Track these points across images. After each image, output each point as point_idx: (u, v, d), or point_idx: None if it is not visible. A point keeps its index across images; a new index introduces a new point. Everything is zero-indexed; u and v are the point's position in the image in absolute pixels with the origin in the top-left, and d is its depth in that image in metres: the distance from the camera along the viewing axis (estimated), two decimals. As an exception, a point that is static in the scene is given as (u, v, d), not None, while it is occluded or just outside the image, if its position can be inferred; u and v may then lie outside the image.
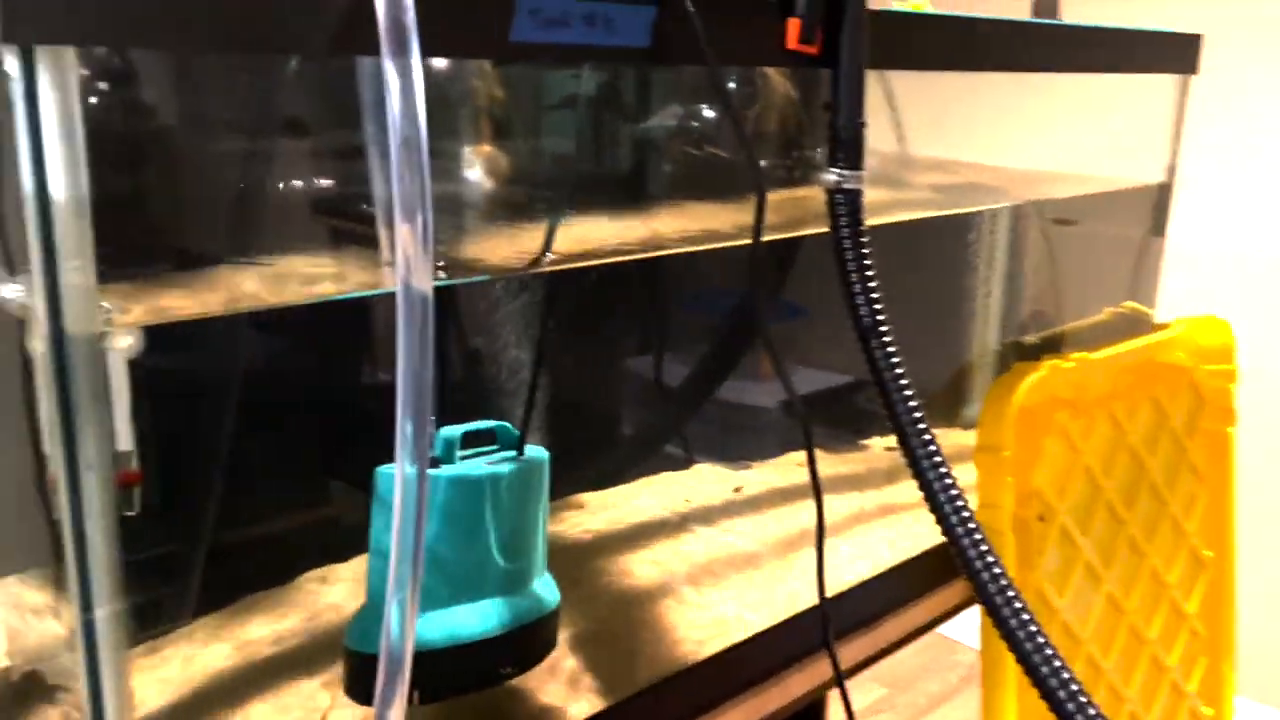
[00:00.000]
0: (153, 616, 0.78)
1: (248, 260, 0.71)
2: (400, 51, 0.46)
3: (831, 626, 0.80)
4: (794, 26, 0.70)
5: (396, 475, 0.47)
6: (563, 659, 0.78)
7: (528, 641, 0.68)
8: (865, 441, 1.20)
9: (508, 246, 0.88)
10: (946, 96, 1.24)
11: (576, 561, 0.89)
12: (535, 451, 0.71)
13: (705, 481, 1.04)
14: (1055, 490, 1.04)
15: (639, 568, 0.89)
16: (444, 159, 0.91)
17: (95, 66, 0.50)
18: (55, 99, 0.43)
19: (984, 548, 0.73)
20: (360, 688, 0.64)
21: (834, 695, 0.93)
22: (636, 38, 0.62)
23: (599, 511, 0.98)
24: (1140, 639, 1.19)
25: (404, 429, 0.46)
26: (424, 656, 0.62)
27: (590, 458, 1.02)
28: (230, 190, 0.68)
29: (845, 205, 0.74)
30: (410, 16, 0.47)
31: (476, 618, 0.65)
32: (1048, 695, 0.72)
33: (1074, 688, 0.71)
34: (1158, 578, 1.21)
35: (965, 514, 0.73)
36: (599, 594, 0.86)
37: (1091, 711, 0.70)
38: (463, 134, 0.89)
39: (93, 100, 0.46)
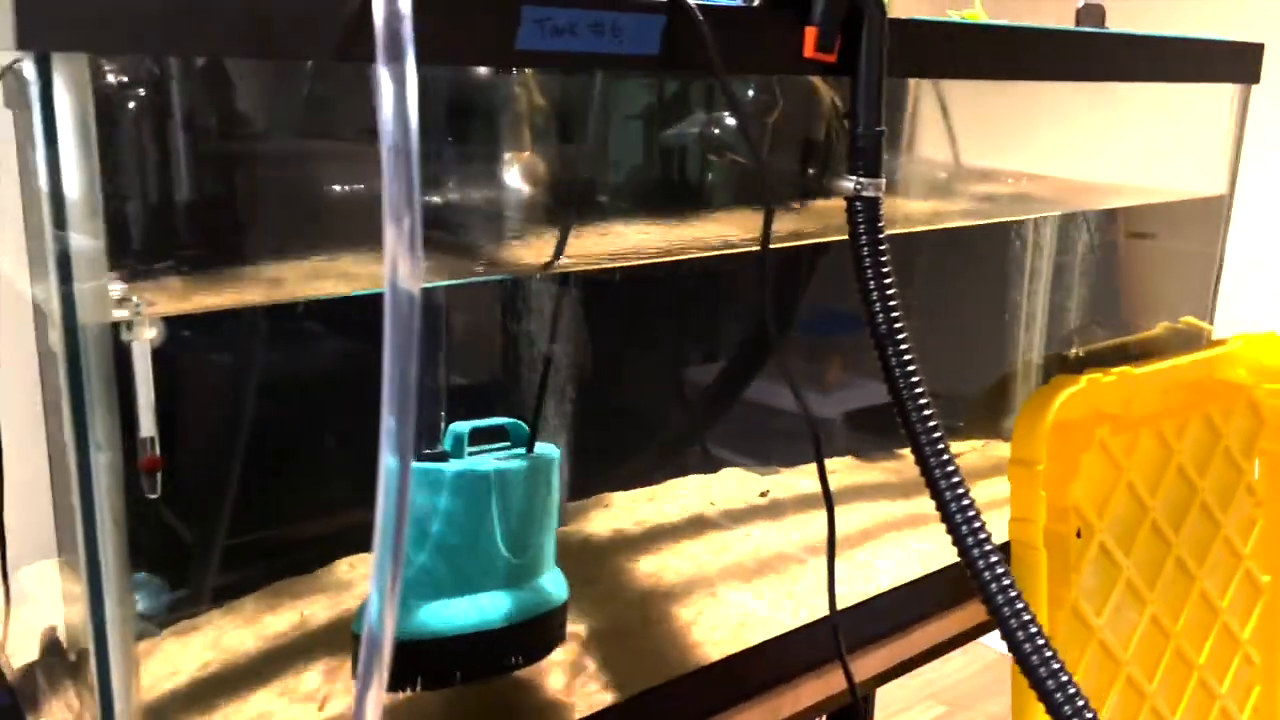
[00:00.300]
0: (187, 600, 0.82)
1: (298, 257, 0.74)
2: (395, 59, 0.48)
3: (843, 637, 0.80)
4: (811, 35, 0.71)
5: (380, 469, 0.49)
6: (574, 654, 0.79)
7: (533, 634, 0.70)
8: (899, 451, 1.19)
9: (546, 249, 0.91)
10: (1013, 107, 1.23)
11: (596, 559, 0.90)
12: (545, 449, 0.72)
13: (732, 485, 1.04)
14: (1094, 507, 1.02)
15: (657, 567, 0.90)
16: (487, 164, 0.94)
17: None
18: (71, 103, 0.46)
19: (994, 560, 0.72)
20: (367, 671, 0.66)
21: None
22: (646, 46, 0.63)
23: (624, 511, 0.99)
24: (1188, 663, 1.16)
25: (388, 424, 0.48)
26: (429, 644, 0.65)
27: (619, 458, 1.03)
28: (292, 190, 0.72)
29: (864, 213, 0.74)
30: (407, 26, 0.49)
31: (482, 609, 0.67)
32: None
33: (1086, 714, 0.70)
34: (1208, 601, 1.17)
35: (976, 524, 0.73)
36: (616, 592, 0.87)
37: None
38: (504, 141, 0.92)
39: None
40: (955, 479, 0.74)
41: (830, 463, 1.14)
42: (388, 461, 0.48)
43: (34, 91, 0.45)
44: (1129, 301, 1.22)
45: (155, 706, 0.70)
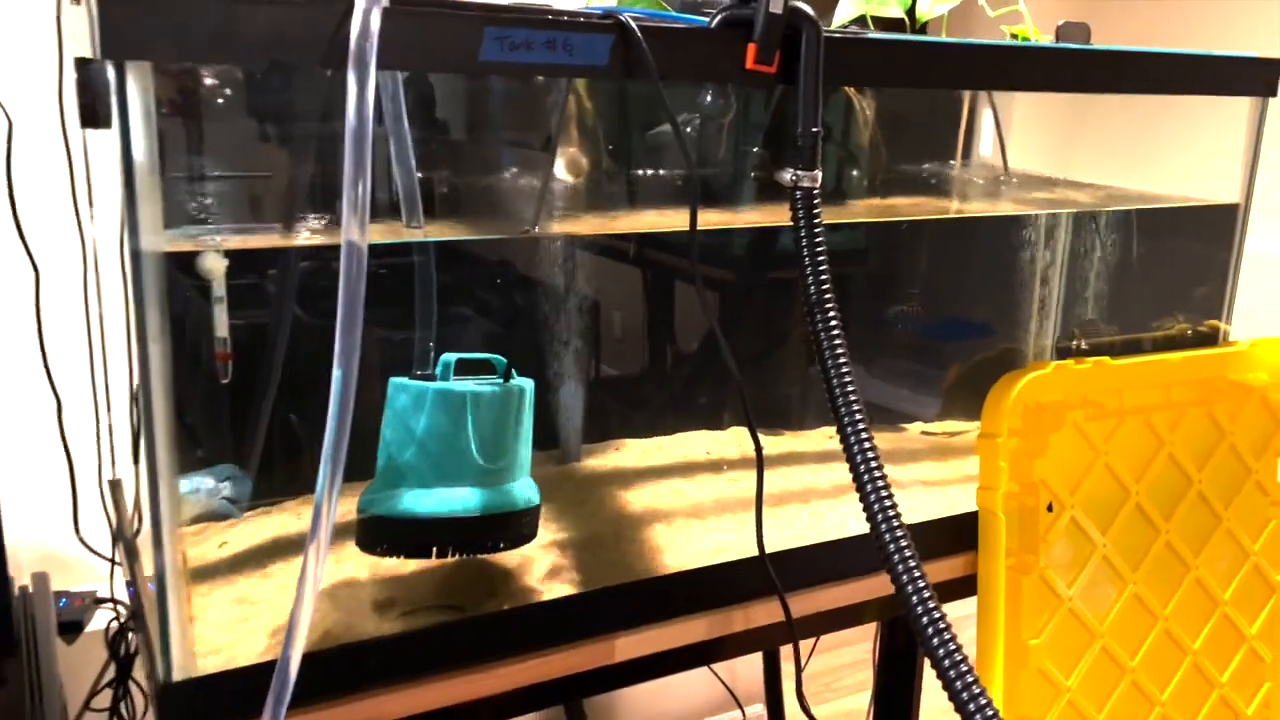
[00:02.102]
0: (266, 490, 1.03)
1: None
2: (360, 67, 0.67)
3: (795, 574, 0.93)
4: (751, 50, 0.85)
5: (332, 381, 0.67)
6: (548, 553, 0.96)
7: (500, 526, 0.87)
8: (906, 426, 1.30)
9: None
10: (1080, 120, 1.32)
11: (591, 486, 1.07)
12: (521, 381, 0.89)
13: (734, 441, 1.18)
14: (1065, 484, 1.11)
15: (641, 497, 1.06)
16: (538, 155, 1.12)
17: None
18: (140, 102, 0.67)
19: (899, 532, 0.82)
20: (363, 540, 0.85)
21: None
22: (596, 59, 0.79)
23: (632, 453, 1.15)
24: (1180, 647, 1.21)
25: (341, 340, 0.66)
26: (410, 522, 0.84)
27: (637, 411, 1.19)
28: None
29: (802, 201, 0.88)
30: (372, 43, 0.67)
31: (454, 500, 0.85)
32: (938, 672, 0.80)
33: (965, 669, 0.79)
34: (1206, 590, 1.22)
35: (885, 494, 0.83)
36: (599, 511, 1.04)
37: (977, 692, 0.78)
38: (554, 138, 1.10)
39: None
40: (870, 450, 0.85)
41: (820, 430, 1.27)
42: (335, 373, 0.66)
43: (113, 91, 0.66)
44: (1144, 301, 1.28)
45: (211, 567, 0.92)
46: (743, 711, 1.97)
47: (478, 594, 0.92)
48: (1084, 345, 1.25)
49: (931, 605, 0.81)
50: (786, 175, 0.88)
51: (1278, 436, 1.25)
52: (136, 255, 0.69)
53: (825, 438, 1.22)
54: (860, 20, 1.32)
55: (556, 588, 0.93)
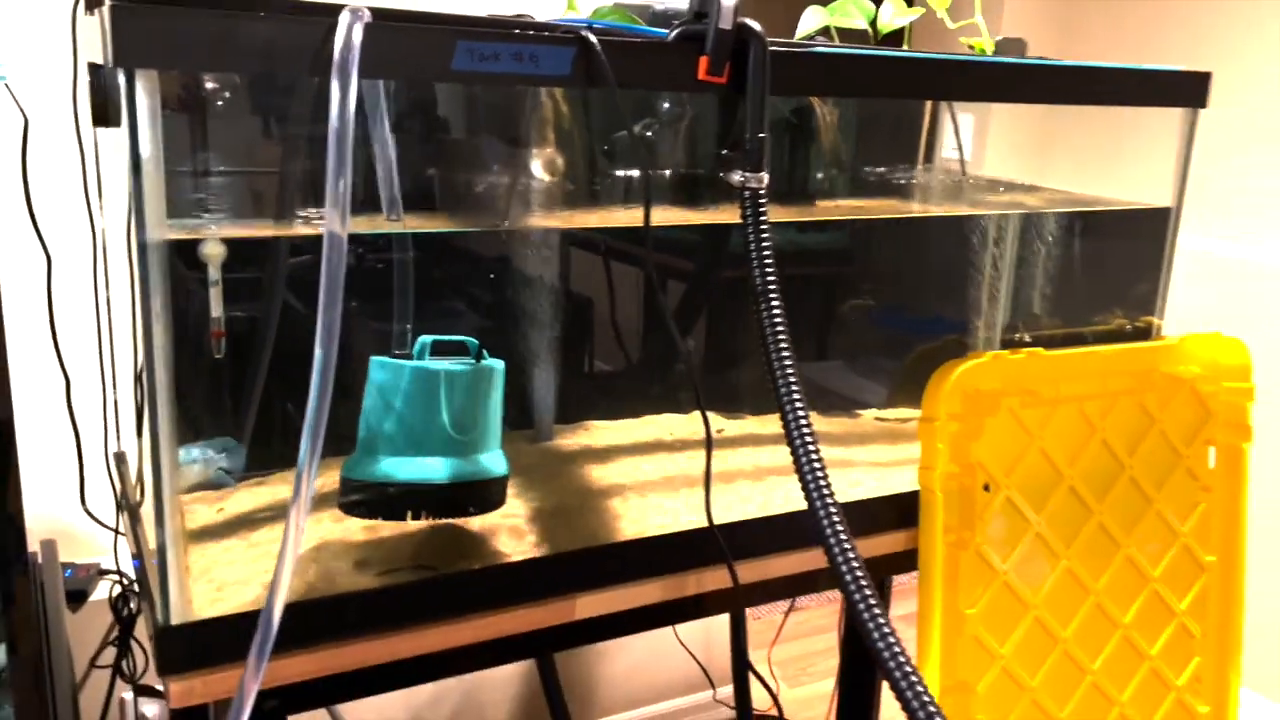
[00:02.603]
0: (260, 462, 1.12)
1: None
2: (343, 75, 0.75)
3: (726, 542, 1.02)
4: (703, 61, 0.93)
5: (314, 359, 0.75)
6: (517, 520, 1.05)
7: (470, 493, 0.96)
8: (861, 412, 1.39)
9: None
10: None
11: (560, 462, 1.15)
12: (492, 362, 0.98)
13: (698, 423, 1.27)
14: (1001, 465, 1.20)
15: (606, 474, 1.14)
16: (519, 154, 1.20)
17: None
18: (147, 104, 0.75)
19: (833, 511, 0.91)
20: (344, 504, 0.94)
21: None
22: (559, 69, 0.88)
23: (599, 434, 1.23)
24: (1110, 619, 1.30)
25: (323, 321, 0.75)
26: (387, 487, 0.92)
27: (607, 395, 1.28)
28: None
29: (750, 200, 0.96)
30: (354, 54, 0.76)
31: (428, 468, 0.93)
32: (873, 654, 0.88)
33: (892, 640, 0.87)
34: (1137, 567, 1.31)
35: (821, 476, 0.92)
36: (566, 485, 1.12)
37: (908, 671, 0.85)
38: (531, 139, 1.18)
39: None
40: (808, 436, 0.93)
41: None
42: (316, 353, 0.74)
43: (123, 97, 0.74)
44: (1085, 300, 1.36)
45: (209, 529, 1.00)
46: (714, 690, 2.06)
47: (450, 556, 1.00)
48: (1027, 338, 1.34)
49: (860, 576, 0.89)
50: (735, 176, 0.96)
51: (1207, 425, 1.34)
52: (143, 243, 0.77)
53: (759, 423, 1.31)
54: (824, 31, 1.41)
55: (523, 551, 1.02)
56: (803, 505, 1.15)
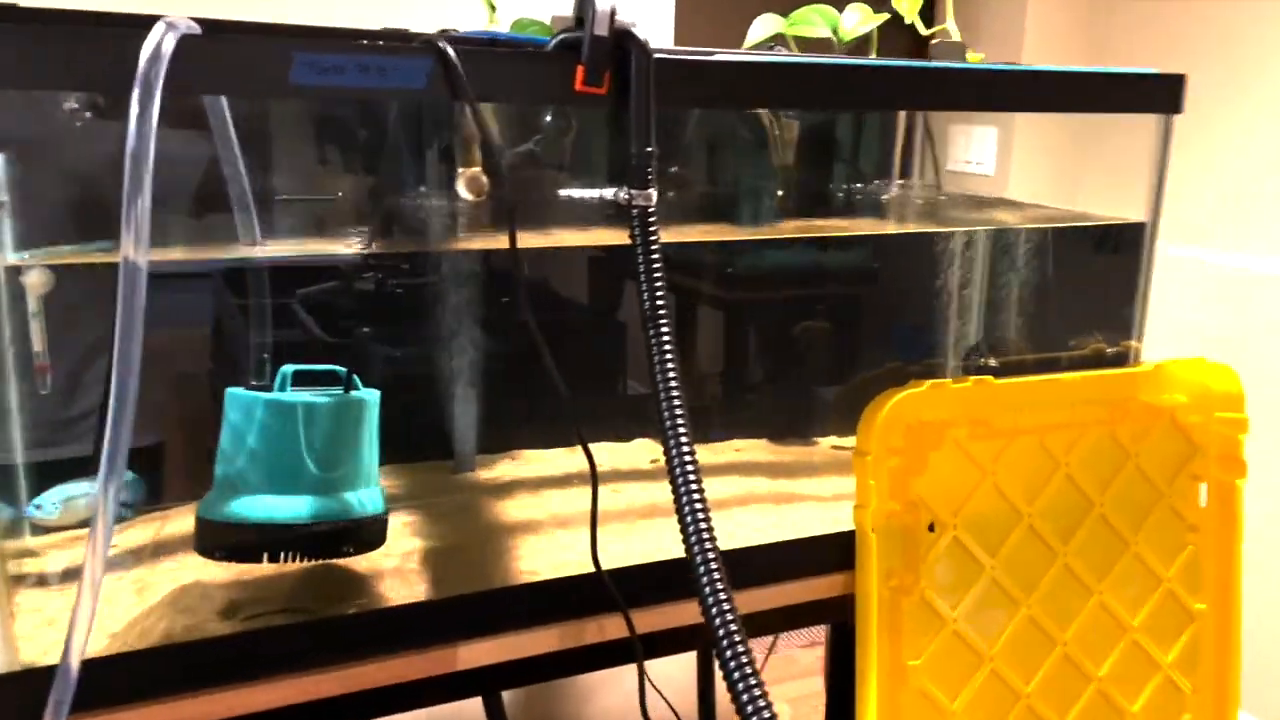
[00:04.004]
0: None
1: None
2: (145, 90, 0.70)
3: (617, 591, 0.94)
4: (579, 71, 0.86)
5: (112, 387, 0.70)
6: (409, 561, 0.99)
7: (336, 533, 0.90)
8: (819, 439, 1.30)
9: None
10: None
11: (474, 496, 1.09)
12: (365, 393, 0.92)
13: (636, 453, 1.19)
14: (947, 503, 1.10)
15: (520, 507, 1.08)
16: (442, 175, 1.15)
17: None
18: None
19: (707, 545, 0.83)
20: (199, 545, 0.89)
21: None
22: (412, 82, 0.82)
23: (527, 463, 1.17)
24: (1082, 672, 1.19)
25: (120, 350, 0.70)
26: (238, 528, 0.87)
27: (537, 421, 1.21)
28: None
29: (638, 218, 0.89)
30: (160, 68, 0.70)
31: (286, 507, 0.88)
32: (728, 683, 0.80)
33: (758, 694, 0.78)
34: (1113, 615, 1.20)
35: (700, 510, 0.84)
36: (471, 521, 1.06)
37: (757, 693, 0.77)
38: (456, 160, 1.13)
39: None
40: (690, 467, 0.85)
41: (745, 442, 1.28)
42: (113, 381, 0.69)
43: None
44: (1054, 320, 1.26)
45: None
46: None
47: (328, 599, 0.94)
48: (991, 362, 1.24)
49: (734, 631, 0.80)
50: (622, 194, 0.89)
51: (1194, 460, 1.23)
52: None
53: (733, 449, 1.23)
54: (779, 39, 1.33)
55: (409, 594, 0.95)
56: (736, 544, 1.07)
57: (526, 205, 1.19)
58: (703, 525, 0.83)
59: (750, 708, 0.77)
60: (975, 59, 1.36)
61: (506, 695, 1.51)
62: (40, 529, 1.01)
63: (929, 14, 1.50)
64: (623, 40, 0.86)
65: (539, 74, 0.87)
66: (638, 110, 0.88)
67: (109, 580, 0.94)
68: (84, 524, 1.05)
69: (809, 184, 1.35)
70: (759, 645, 2.05)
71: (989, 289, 1.27)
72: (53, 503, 1.02)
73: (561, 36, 0.88)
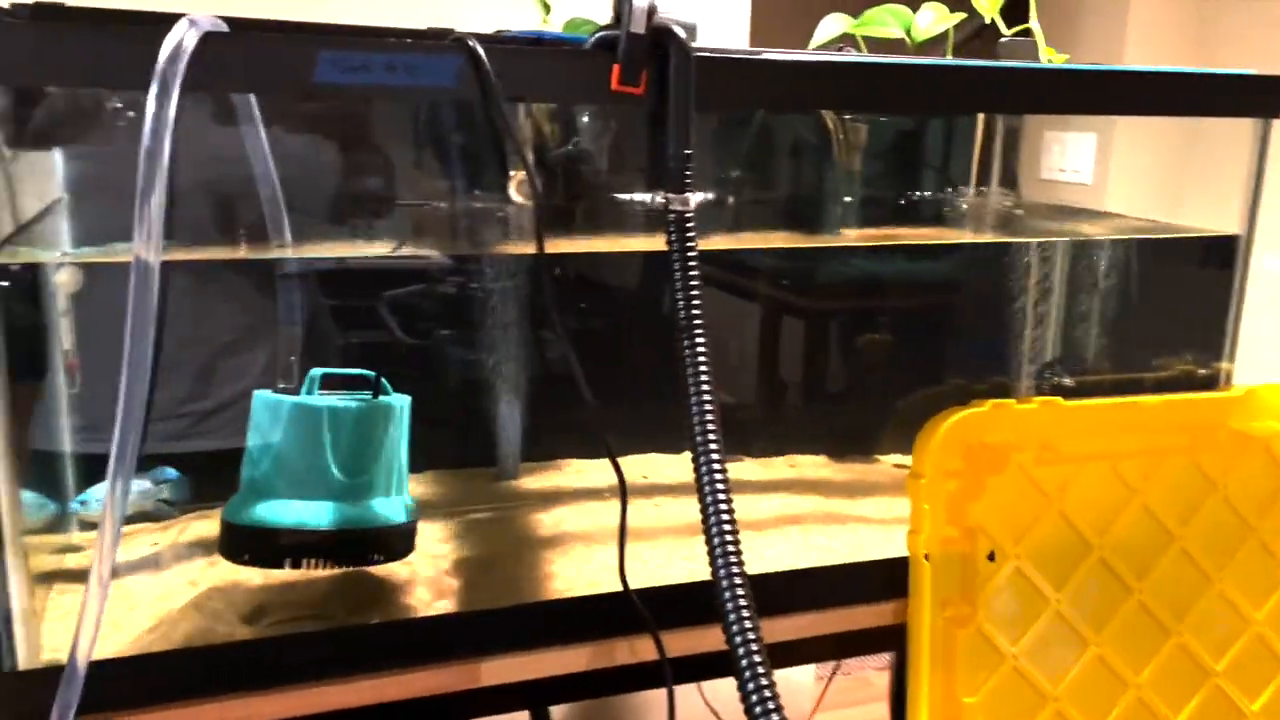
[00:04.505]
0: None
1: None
2: (163, 87, 0.69)
3: (648, 611, 0.90)
4: (616, 70, 0.83)
5: (121, 388, 0.69)
6: (438, 570, 0.96)
7: (361, 540, 0.88)
8: (881, 457, 1.24)
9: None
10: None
11: (513, 505, 1.07)
12: (395, 398, 0.90)
13: (684, 466, 1.15)
14: (1008, 531, 1.03)
15: (558, 519, 1.05)
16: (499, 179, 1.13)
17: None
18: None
19: (730, 546, 0.79)
20: (227, 549, 0.88)
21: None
22: (441, 80, 0.79)
23: (573, 473, 1.14)
24: (1157, 717, 1.11)
25: (130, 353, 0.69)
26: (262, 531, 0.85)
27: (584, 430, 1.18)
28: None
29: (674, 224, 0.85)
30: (179, 66, 0.70)
31: (309, 512, 0.86)
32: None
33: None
34: (1193, 658, 1.11)
35: (725, 515, 0.80)
36: (509, 532, 1.03)
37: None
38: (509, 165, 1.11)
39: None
40: (720, 481, 0.81)
41: (801, 458, 1.23)
42: (122, 382, 0.68)
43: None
44: (1136, 339, 1.18)
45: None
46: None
47: (353, 606, 0.93)
48: (1067, 382, 1.17)
49: (756, 656, 0.76)
50: (659, 199, 0.85)
51: (1294, 494, 1.13)
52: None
53: (787, 465, 1.19)
54: (847, 40, 1.28)
55: (437, 606, 0.93)
56: (774, 566, 1.03)
57: (577, 208, 1.16)
58: (729, 543, 0.79)
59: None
60: (1060, 59, 1.29)
61: (557, 712, 1.48)
62: (86, 524, 1.02)
63: (1018, 13, 1.43)
64: (661, 38, 0.83)
65: (573, 73, 0.84)
66: (676, 111, 0.84)
67: (144, 579, 0.94)
68: (130, 519, 1.06)
69: (876, 190, 1.29)
70: (822, 669, 1.97)
71: (1066, 304, 1.20)
72: (97, 498, 1.02)
73: (599, 35, 0.85)
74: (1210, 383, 1.15)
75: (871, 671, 2.56)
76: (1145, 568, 1.09)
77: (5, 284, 0.79)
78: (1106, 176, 2.41)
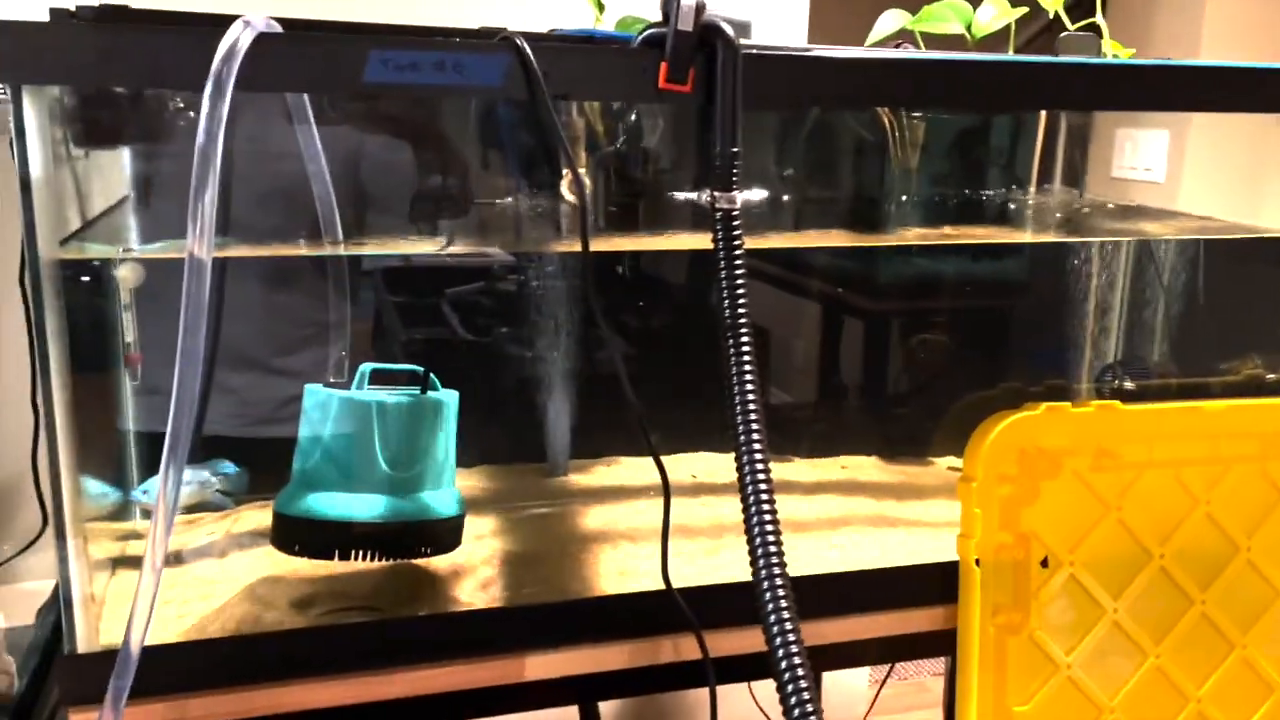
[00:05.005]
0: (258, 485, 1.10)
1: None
2: (217, 87, 0.71)
3: (691, 610, 0.90)
4: (664, 68, 0.83)
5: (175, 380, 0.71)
6: (487, 565, 0.97)
7: (408, 533, 0.89)
8: (935, 460, 1.22)
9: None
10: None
11: (561, 501, 1.07)
12: (443, 394, 0.91)
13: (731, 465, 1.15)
14: (1063, 538, 1.01)
15: (605, 516, 1.05)
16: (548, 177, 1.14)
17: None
18: (35, 123, 0.74)
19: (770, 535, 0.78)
20: (278, 539, 0.90)
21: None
22: (488, 79, 0.80)
23: (622, 470, 1.14)
24: (1219, 733, 1.08)
25: (185, 344, 0.70)
26: (316, 524, 0.87)
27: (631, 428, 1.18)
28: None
29: (721, 223, 0.85)
30: (234, 66, 0.71)
31: (358, 505, 0.87)
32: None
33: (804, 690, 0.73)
34: (1258, 672, 1.08)
35: (766, 507, 0.79)
36: (555, 528, 1.04)
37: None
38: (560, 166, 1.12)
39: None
40: (762, 480, 0.80)
41: (853, 459, 1.22)
42: (176, 373, 0.70)
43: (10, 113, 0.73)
44: (1203, 341, 1.14)
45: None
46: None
47: (401, 598, 0.94)
48: (1128, 386, 1.14)
49: (796, 657, 0.75)
50: (705, 197, 0.85)
51: (1365, 505, 1.09)
52: (35, 262, 0.76)
53: (838, 466, 1.17)
54: (905, 35, 1.26)
55: (483, 599, 0.94)
56: (819, 566, 1.02)
57: (631, 206, 1.16)
58: (770, 543, 0.78)
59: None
60: (1126, 54, 1.26)
61: (606, 710, 1.49)
62: (147, 513, 1.05)
63: (1085, 9, 1.39)
64: (709, 36, 0.83)
65: (620, 71, 0.84)
66: (723, 109, 0.83)
67: (200, 567, 0.97)
68: (189, 509, 1.08)
69: (934, 189, 1.27)
70: (876, 673, 1.94)
71: (1130, 306, 1.17)
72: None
73: (647, 32, 0.85)
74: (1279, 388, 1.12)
75: (928, 677, 2.52)
76: (1209, 578, 1.06)
77: (86, 278, 0.82)
78: (1180, 175, 2.34)
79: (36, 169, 0.74)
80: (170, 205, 0.98)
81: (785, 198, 1.22)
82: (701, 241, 1.14)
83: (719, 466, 1.17)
